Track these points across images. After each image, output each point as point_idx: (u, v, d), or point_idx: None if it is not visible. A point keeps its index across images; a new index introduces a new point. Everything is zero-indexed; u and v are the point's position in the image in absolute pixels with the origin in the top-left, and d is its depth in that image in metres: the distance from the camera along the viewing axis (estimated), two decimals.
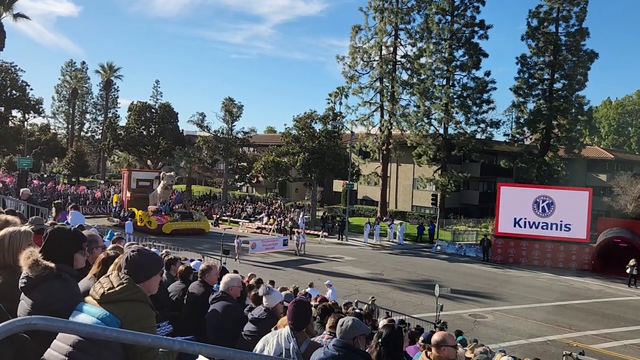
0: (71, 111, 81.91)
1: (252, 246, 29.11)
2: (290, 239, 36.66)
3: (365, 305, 16.43)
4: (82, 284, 3.44)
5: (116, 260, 3.33)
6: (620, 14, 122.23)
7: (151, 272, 2.85)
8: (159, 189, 37.73)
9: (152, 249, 11.82)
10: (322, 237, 37.02)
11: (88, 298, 2.65)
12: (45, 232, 3.24)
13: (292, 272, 25.28)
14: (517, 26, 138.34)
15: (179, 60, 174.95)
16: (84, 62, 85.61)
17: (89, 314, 2.56)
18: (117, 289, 2.61)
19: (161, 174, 39.10)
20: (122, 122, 61.58)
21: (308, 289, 16.54)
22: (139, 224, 35.43)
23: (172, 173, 40.08)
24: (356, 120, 47.96)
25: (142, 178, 41.05)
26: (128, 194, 39.48)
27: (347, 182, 40.72)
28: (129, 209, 37.81)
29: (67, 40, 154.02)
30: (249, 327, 5.27)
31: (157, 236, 31.17)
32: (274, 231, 39.10)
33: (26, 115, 55.67)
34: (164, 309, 6.19)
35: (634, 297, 24.76)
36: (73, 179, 65.15)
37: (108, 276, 2.70)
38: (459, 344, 9.27)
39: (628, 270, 27.30)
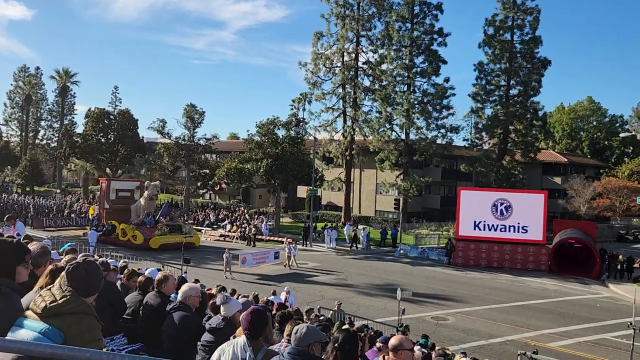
0: (25, 118, 79.17)
1: (242, 260, 27.28)
2: (253, 245, 36.48)
3: (331, 312, 16.44)
4: (28, 298, 3.30)
5: (62, 273, 3.22)
6: (571, 23, 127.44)
7: (95, 285, 2.76)
8: (142, 200, 35.21)
9: (110, 259, 11.52)
10: (286, 243, 36.82)
11: (29, 312, 2.55)
12: None
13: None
14: (474, 34, 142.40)
15: (138, 65, 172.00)
16: (38, 68, 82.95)
17: (30, 328, 2.46)
18: (60, 301, 2.52)
19: (145, 183, 36.69)
20: (79, 129, 59.78)
21: (271, 297, 16.44)
22: (121, 238, 33.27)
23: (157, 182, 37.46)
24: (319, 126, 48.21)
25: (122, 188, 38.12)
26: (107, 206, 36.70)
27: (311, 188, 40.76)
28: (109, 221, 35.02)
29: (20, 44, 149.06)
30: (206, 337, 5.19)
31: (144, 251, 29.25)
32: (237, 239, 38.73)
33: None
34: (119, 321, 6.04)
35: (588, 295, 25.67)
36: (27, 189, 62.87)
37: (50, 289, 2.61)
38: (418, 346, 9.39)
39: (619, 267, 30.12)
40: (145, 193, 35.18)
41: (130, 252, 26.71)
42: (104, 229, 34.33)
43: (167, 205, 38.17)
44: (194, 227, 43.11)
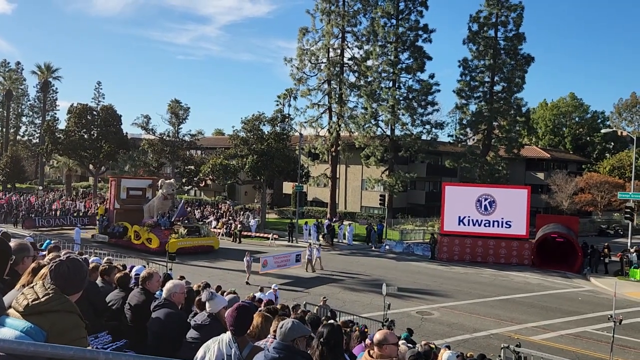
0: (5, 114, 77.79)
1: (263, 264, 25.82)
2: (239, 242, 36.38)
3: (316, 307, 16.49)
4: (10, 296, 3.26)
5: (42, 270, 3.19)
6: (554, 20, 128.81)
7: (78, 283, 2.74)
8: (156, 200, 32.84)
9: (93, 257, 11.41)
10: (272, 239, 36.84)
11: (11, 311, 2.52)
12: None
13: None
14: (459, 30, 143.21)
15: (122, 60, 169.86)
16: (18, 62, 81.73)
17: (12, 327, 2.43)
18: (42, 299, 2.49)
19: (159, 182, 33.85)
20: (62, 126, 58.97)
21: (258, 294, 16.44)
22: (134, 241, 31.25)
23: (173, 180, 35.32)
24: (305, 122, 48.11)
25: (133, 187, 35.19)
26: (117, 206, 33.90)
27: (297, 184, 40.72)
28: (120, 223, 32.82)
29: (0, 39, 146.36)
30: (192, 333, 5.18)
31: (159, 256, 26.34)
32: (222, 235, 38.59)
33: None
34: (102, 319, 6.00)
35: (570, 289, 26.07)
36: (8, 186, 61.89)
37: (32, 287, 2.58)
38: (403, 341, 9.47)
39: (605, 260, 30.68)
40: (159, 192, 32.76)
41: (114, 250, 26.48)
42: (115, 230, 32.48)
43: (183, 206, 34.95)
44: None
